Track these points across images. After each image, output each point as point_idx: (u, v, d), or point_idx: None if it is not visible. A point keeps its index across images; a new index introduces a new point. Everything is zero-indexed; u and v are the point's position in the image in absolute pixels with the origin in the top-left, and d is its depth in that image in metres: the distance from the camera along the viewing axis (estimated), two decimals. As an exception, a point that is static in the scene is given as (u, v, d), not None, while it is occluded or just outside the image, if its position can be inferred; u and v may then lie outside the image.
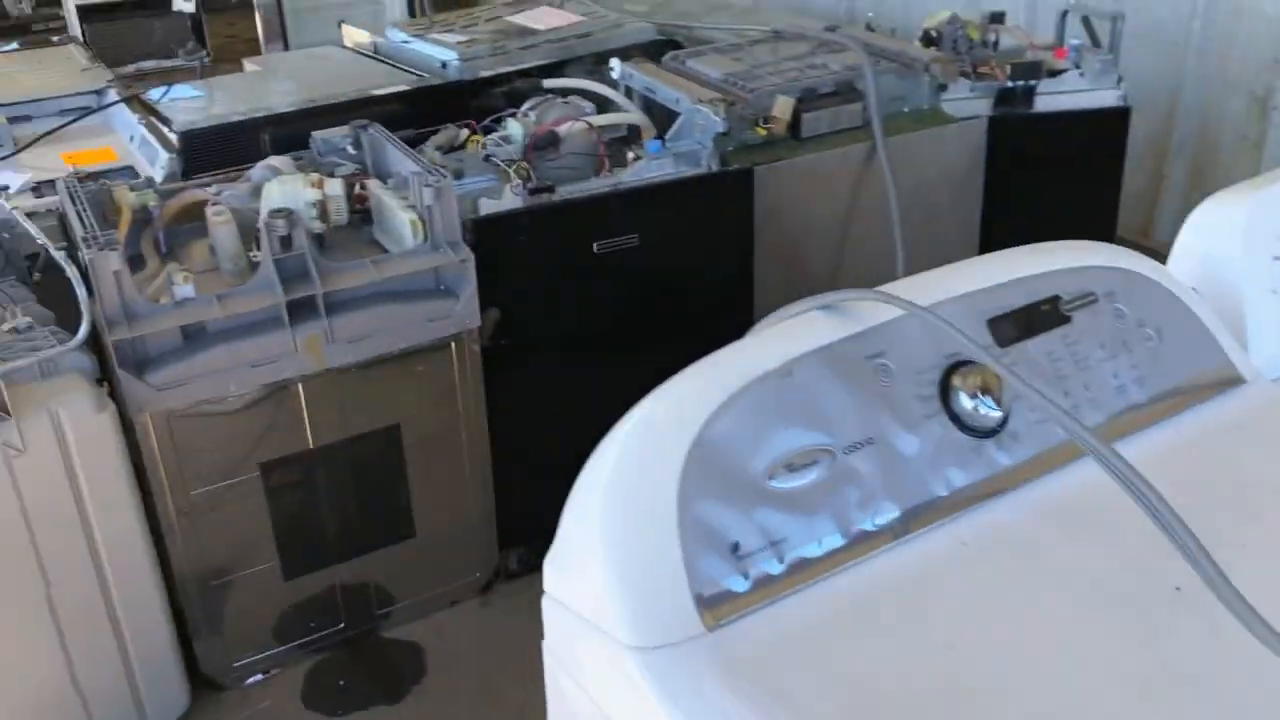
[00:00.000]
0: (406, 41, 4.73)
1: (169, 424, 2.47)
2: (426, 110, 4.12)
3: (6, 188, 2.70)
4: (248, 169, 3.13)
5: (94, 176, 3.75)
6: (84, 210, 2.55)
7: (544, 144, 3.02)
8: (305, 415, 2.62)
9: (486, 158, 2.98)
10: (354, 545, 2.81)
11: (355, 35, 5.03)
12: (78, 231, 2.45)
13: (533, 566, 3.22)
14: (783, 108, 3.14)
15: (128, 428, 2.42)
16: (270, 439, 2.61)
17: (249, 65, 4.88)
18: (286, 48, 6.89)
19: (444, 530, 2.91)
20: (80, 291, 2.35)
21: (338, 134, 3.02)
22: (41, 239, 2.49)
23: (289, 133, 3.92)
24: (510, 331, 2.84)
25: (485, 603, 3.02)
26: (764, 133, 3.14)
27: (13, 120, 4.04)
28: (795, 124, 3.16)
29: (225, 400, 2.52)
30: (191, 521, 2.58)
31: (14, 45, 4.71)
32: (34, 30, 9.39)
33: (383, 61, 4.68)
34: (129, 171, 3.79)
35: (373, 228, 2.87)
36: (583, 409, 3.20)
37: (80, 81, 4.33)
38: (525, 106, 3.26)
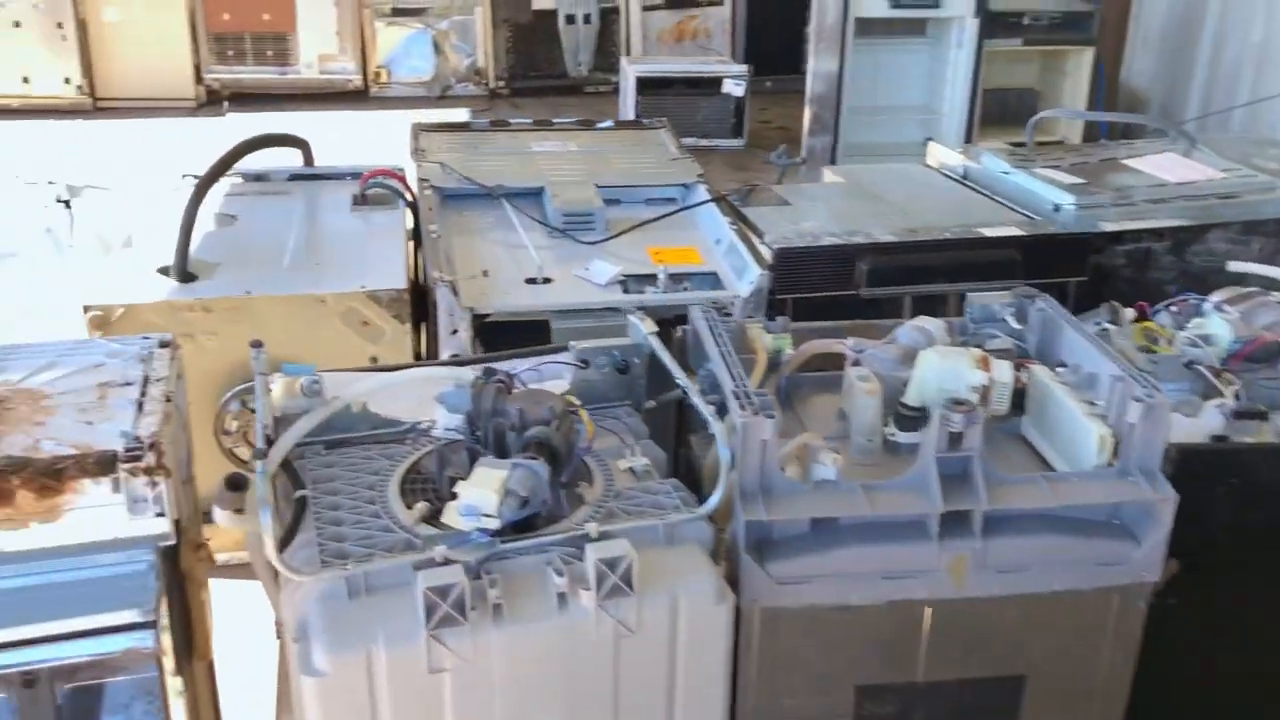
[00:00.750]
0: (1006, 172, 4.25)
1: (777, 622, 2.10)
2: (1036, 259, 3.63)
3: (642, 313, 2.46)
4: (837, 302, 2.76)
5: (678, 279, 3.62)
6: (728, 353, 2.26)
7: (1263, 357, 2.38)
8: (922, 644, 2.15)
9: (1190, 363, 2.38)
10: (931, 801, 2.30)
11: (942, 154, 4.63)
12: (726, 383, 2.15)
13: None
14: None
15: (731, 616, 2.07)
16: (875, 661, 2.17)
17: (829, 175, 4.62)
18: (835, 144, 6.69)
19: (1037, 812, 2.33)
20: (724, 455, 2.04)
21: (997, 300, 2.55)
22: (683, 381, 2.22)
23: (887, 265, 3.58)
24: (1185, 592, 2.22)
25: None
26: None
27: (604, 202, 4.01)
28: None
29: (842, 608, 2.11)
30: (768, 733, 2.19)
31: (609, 123, 4.75)
32: (585, 91, 10.03)
33: (977, 191, 4.24)
34: (712, 279, 3.61)
35: (1022, 421, 2.38)
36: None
37: (670, 172, 4.25)
38: (1217, 298, 2.63)
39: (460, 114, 9.25)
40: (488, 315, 3.37)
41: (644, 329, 2.41)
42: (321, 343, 3.36)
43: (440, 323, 3.36)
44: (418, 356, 3.60)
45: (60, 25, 8.95)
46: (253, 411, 3.42)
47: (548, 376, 2.43)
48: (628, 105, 8.25)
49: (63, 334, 3.50)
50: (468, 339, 3.38)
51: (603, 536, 1.95)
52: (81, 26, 9.00)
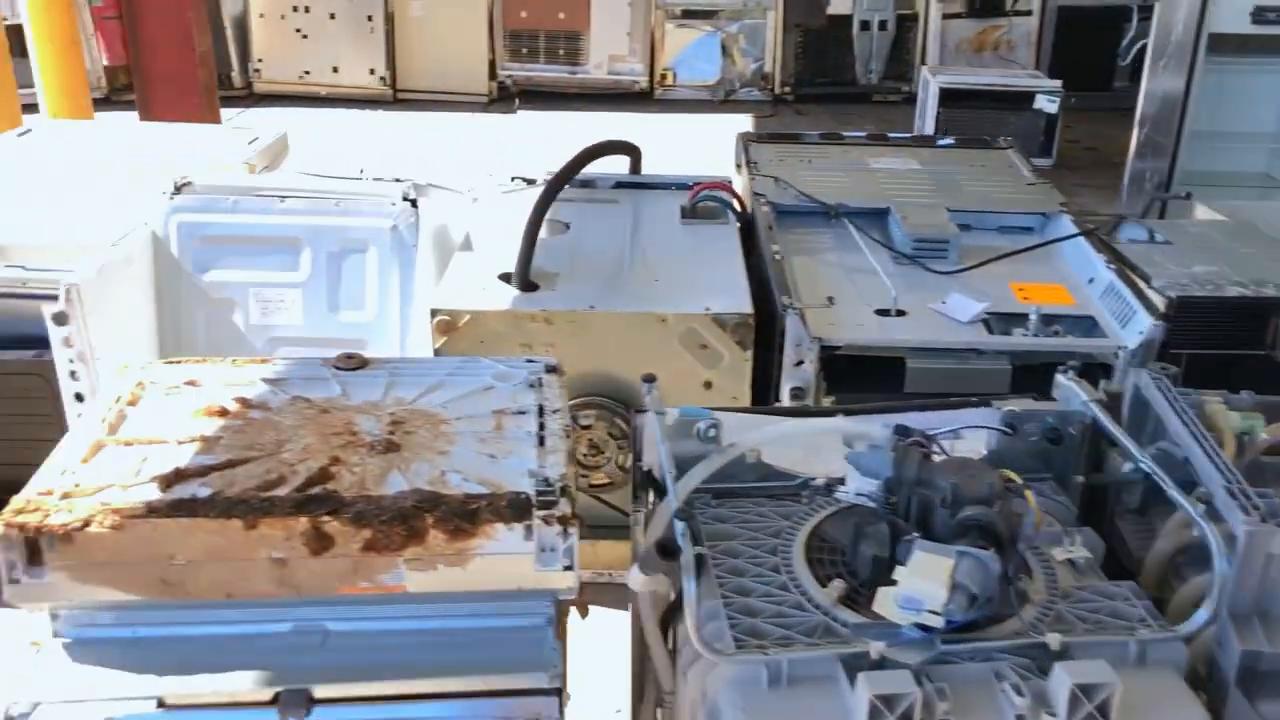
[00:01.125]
0: None
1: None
2: None
3: (1073, 373, 2.13)
4: None
5: (1049, 321, 3.24)
6: (1202, 435, 1.90)
7: None
8: None
9: None
10: None
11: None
12: (1211, 476, 1.79)
13: None
14: None
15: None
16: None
17: (1201, 210, 4.11)
18: (1171, 170, 6.06)
19: None
20: (1220, 567, 1.68)
21: None
22: (1149, 465, 1.87)
23: (1309, 325, 3.08)
24: None
25: None
26: None
27: (958, 228, 3.67)
28: None
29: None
30: None
31: (949, 140, 4.39)
32: (874, 100, 9.63)
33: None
34: (1089, 323, 3.21)
35: None
36: None
37: (1028, 199, 3.87)
38: None
39: (744, 120, 9.04)
40: (838, 347, 3.11)
41: (1082, 393, 2.08)
42: (654, 362, 3.15)
43: (786, 352, 3.12)
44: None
45: (370, 18, 9.33)
46: (584, 428, 3.31)
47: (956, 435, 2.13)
48: (926, 117, 7.81)
49: (409, 336, 3.49)
50: (813, 372, 3.13)
51: (1065, 650, 1.64)
52: (389, 20, 9.35)
